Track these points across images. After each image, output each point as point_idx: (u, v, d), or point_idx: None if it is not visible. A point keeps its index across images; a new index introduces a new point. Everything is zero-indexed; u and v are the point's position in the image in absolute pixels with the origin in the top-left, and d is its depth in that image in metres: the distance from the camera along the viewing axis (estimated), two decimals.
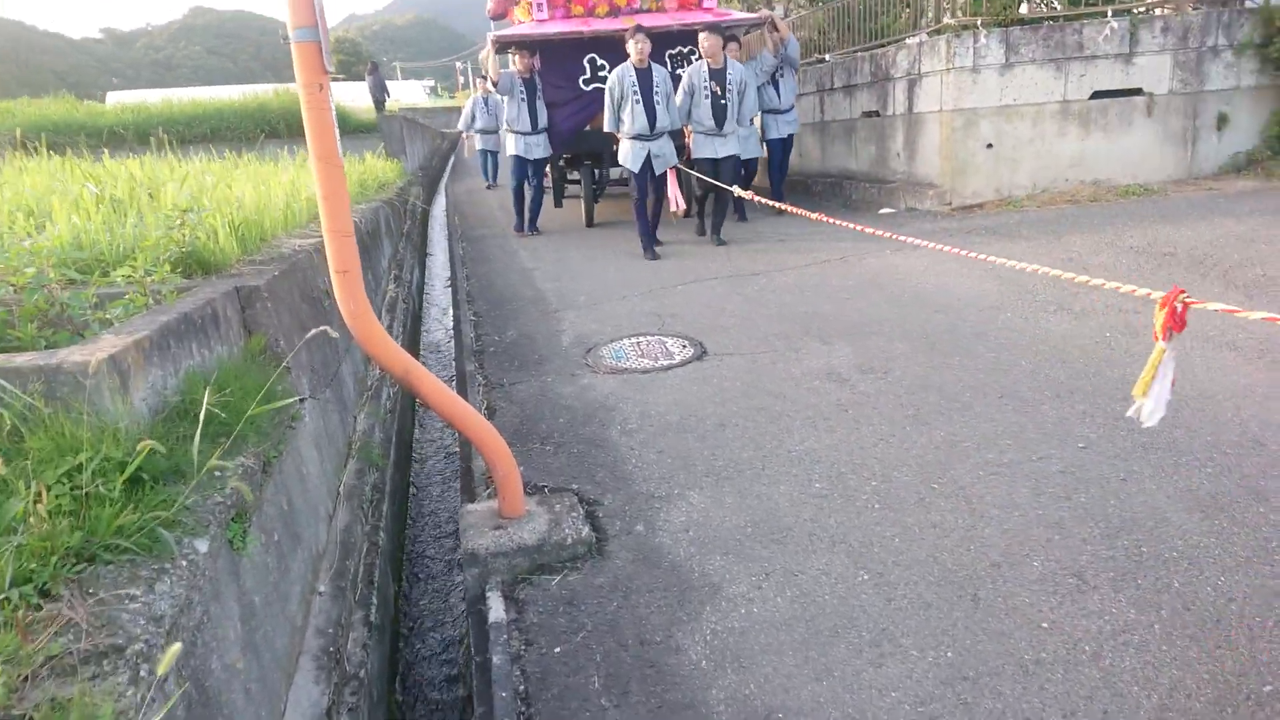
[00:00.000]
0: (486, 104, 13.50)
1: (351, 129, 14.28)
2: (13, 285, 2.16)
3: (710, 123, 7.12)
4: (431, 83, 68.12)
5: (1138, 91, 8.18)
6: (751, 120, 7.77)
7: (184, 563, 1.69)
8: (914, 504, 2.79)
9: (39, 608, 1.38)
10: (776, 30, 8.52)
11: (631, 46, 6.76)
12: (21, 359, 1.80)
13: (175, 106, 14.28)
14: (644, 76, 6.85)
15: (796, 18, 12.15)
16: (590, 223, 9.19)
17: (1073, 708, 1.87)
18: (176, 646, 1.28)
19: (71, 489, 1.59)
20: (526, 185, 8.88)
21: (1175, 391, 3.48)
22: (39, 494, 1.49)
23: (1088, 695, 1.90)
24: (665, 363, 4.47)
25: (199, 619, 1.64)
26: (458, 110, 40.10)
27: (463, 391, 4.29)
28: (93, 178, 4.36)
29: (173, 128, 13.33)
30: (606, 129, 7.14)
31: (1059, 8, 8.52)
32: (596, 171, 9.31)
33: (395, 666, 2.94)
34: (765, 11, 9.23)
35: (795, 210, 4.91)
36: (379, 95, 17.20)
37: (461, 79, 48.59)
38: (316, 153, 2.28)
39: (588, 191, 9.12)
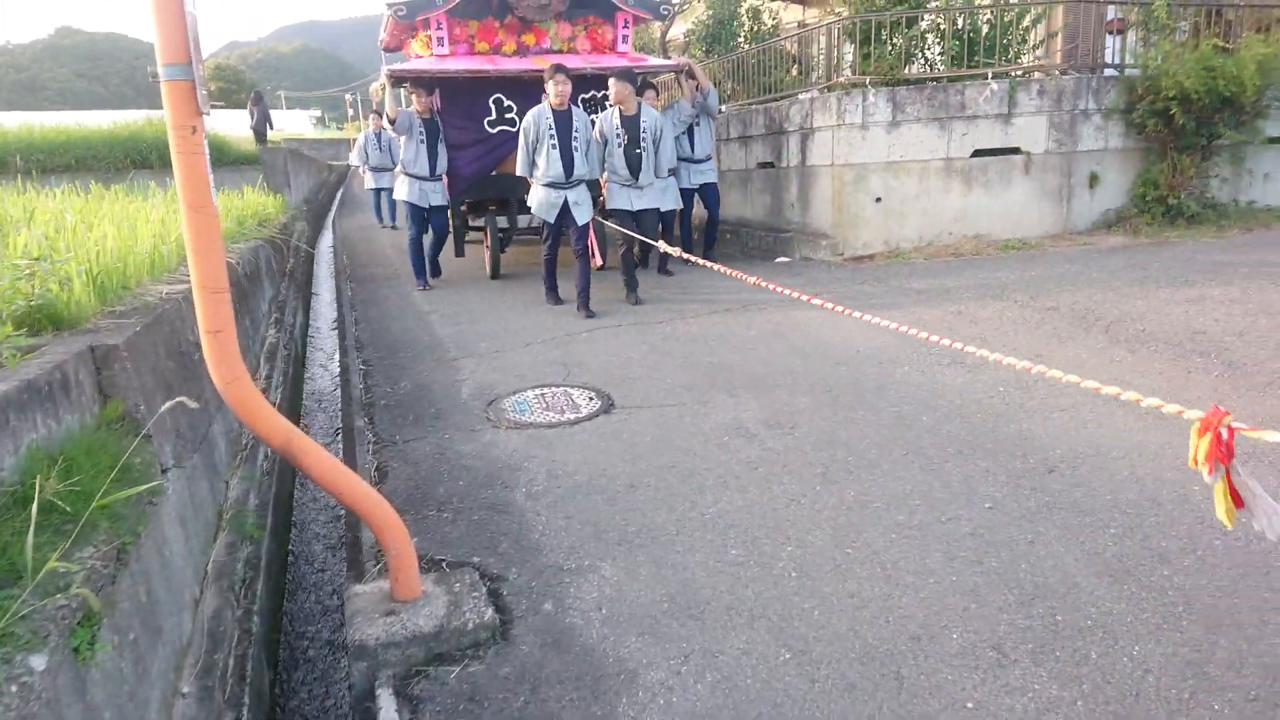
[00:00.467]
0: (379, 139, 13.11)
1: (231, 160, 13.57)
2: None
3: (625, 172, 6.74)
4: (318, 113, 66.30)
5: (1016, 150, 8.67)
6: (670, 171, 7.22)
7: (14, 688, 1.41)
8: (830, 571, 2.71)
9: None
10: (694, 78, 8.21)
11: (550, 87, 6.27)
12: None
13: (36, 132, 13.16)
14: (562, 119, 6.36)
15: None
16: (495, 274, 8.43)
17: None
18: None
19: None
20: (426, 232, 8.23)
21: (1072, 448, 3.61)
22: None
23: None
24: (572, 416, 4.31)
25: None
26: (345, 142, 39.08)
27: (350, 451, 3.99)
28: None
29: (33, 156, 12.34)
30: (519, 173, 6.64)
31: (942, 69, 8.95)
32: (503, 219, 8.65)
33: None
34: (682, 59, 9.11)
35: (721, 268, 4.55)
36: (261, 126, 16.51)
37: (350, 110, 47.49)
38: (188, 201, 2.04)
39: (494, 241, 8.37)
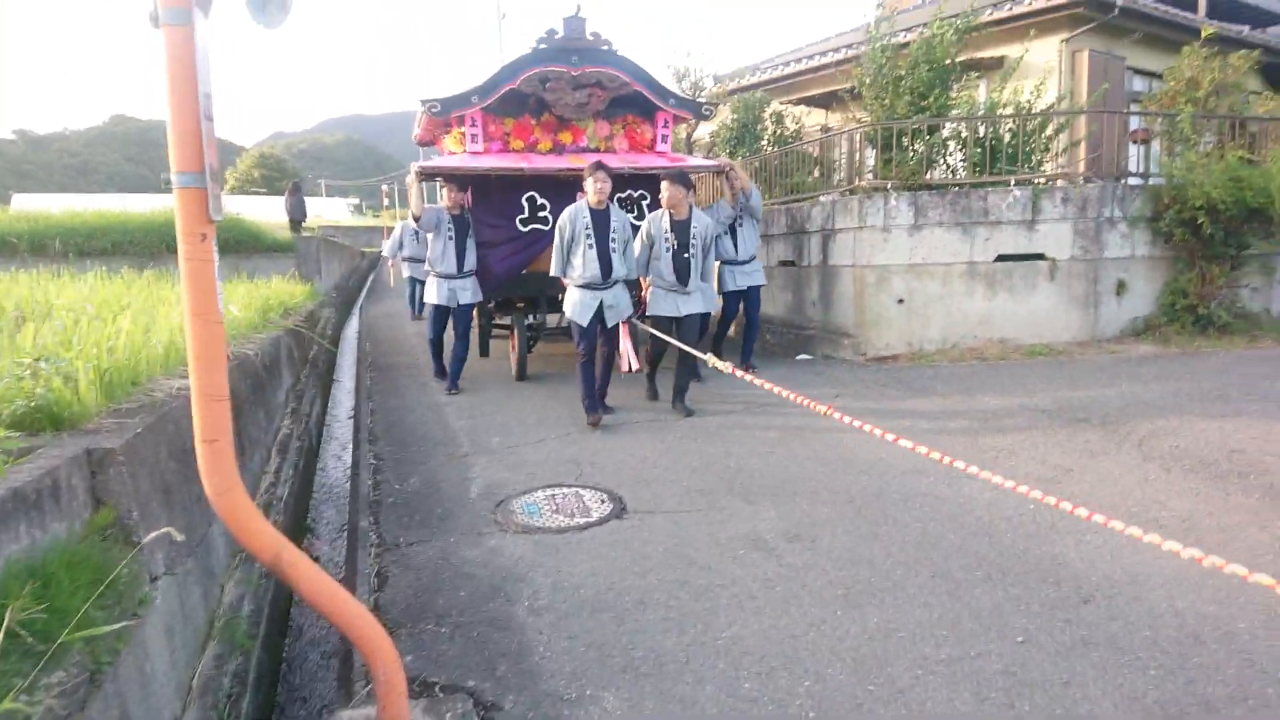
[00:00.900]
0: (417, 232, 13.28)
1: (265, 247, 13.90)
2: None
3: (672, 278, 6.30)
4: (356, 201, 68.50)
5: (1040, 256, 8.64)
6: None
7: None
8: (851, 711, 2.52)
9: None
10: (736, 178, 7.81)
11: (590, 185, 5.98)
12: None
13: (78, 217, 13.61)
14: (600, 219, 6.04)
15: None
16: (522, 375, 7.95)
17: None
18: None
19: None
20: (449, 334, 7.76)
21: (1107, 575, 3.41)
22: None
23: None
24: (582, 520, 4.17)
25: None
26: (379, 229, 40.16)
27: (352, 554, 3.87)
28: None
29: (72, 239, 12.72)
30: (553, 273, 6.24)
31: (964, 175, 9.03)
32: (533, 317, 8.24)
33: None
34: (723, 159, 8.77)
35: (769, 386, 4.00)
36: (297, 215, 16.98)
37: (386, 200, 49.02)
38: (193, 309, 2.00)
39: (521, 341, 7.93)
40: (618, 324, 6.32)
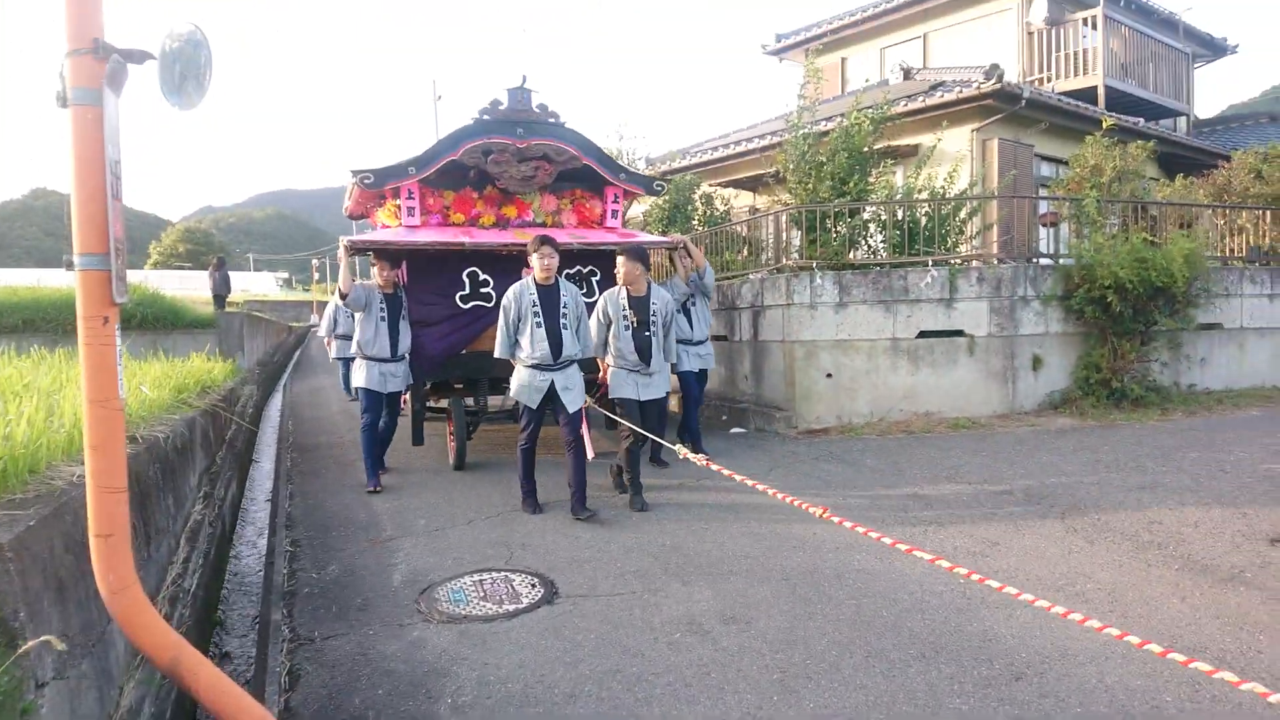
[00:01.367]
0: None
1: (186, 324, 13.48)
2: None
3: (634, 357, 5.90)
4: (285, 275, 67.50)
5: (960, 333, 8.95)
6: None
7: None
8: None
9: None
10: (689, 255, 7.62)
11: (535, 260, 5.64)
12: None
13: None
14: (547, 295, 5.67)
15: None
16: (461, 464, 7.29)
17: None
18: None
19: None
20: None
21: (1037, 651, 3.42)
22: None
23: None
24: (511, 607, 4.02)
25: None
26: (309, 304, 39.56)
27: (262, 650, 3.64)
28: None
29: None
30: (498, 355, 5.79)
31: (885, 256, 9.37)
32: (473, 400, 7.71)
33: None
34: (677, 236, 8.55)
35: (734, 475, 3.86)
36: (221, 290, 16.60)
37: (317, 274, 48.47)
38: (91, 395, 1.89)
39: (459, 426, 7.31)
40: (579, 410, 5.81)
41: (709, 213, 12.79)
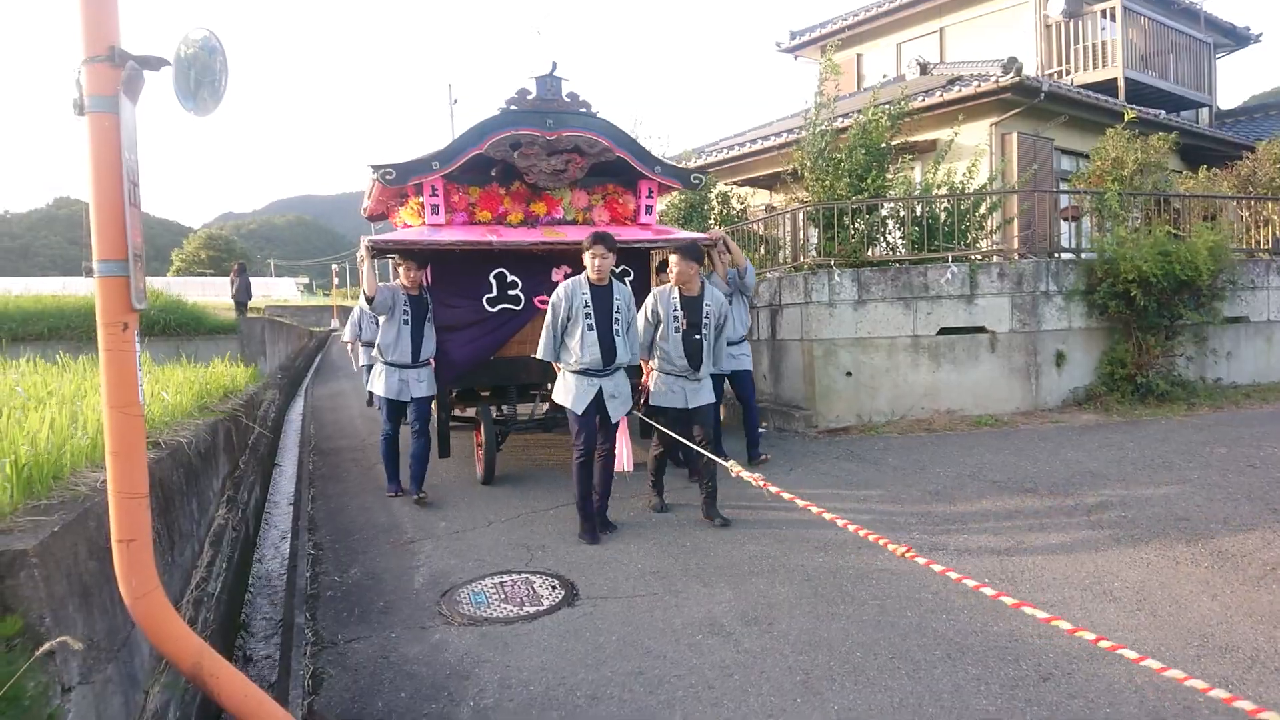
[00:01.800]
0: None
1: (208, 330, 13.62)
2: None
3: (682, 362, 5.52)
4: (306, 280, 68.05)
5: (982, 329, 8.86)
6: None
7: None
8: None
9: None
10: (729, 252, 7.12)
11: (589, 260, 5.27)
12: None
13: (12, 301, 13.25)
14: (601, 296, 5.30)
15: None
16: (489, 479, 6.84)
17: None
18: None
19: None
20: (405, 432, 6.62)
21: (1065, 650, 3.37)
22: None
23: None
24: (532, 609, 4.02)
25: None
26: (329, 309, 39.82)
27: (286, 654, 3.65)
28: None
29: (5, 324, 12.32)
30: (541, 356, 5.44)
31: (904, 252, 9.29)
32: (501, 409, 7.32)
33: None
34: (716, 232, 8.01)
35: (785, 495, 3.72)
36: (242, 296, 16.75)
37: (336, 279, 48.75)
38: (112, 400, 1.90)
39: (489, 437, 6.85)
40: (619, 419, 5.51)
41: (725, 211, 12.75)
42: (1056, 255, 9.84)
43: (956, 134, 10.13)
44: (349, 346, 12.25)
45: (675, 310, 5.55)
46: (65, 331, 12.33)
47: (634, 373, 5.81)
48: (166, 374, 6.88)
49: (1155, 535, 4.71)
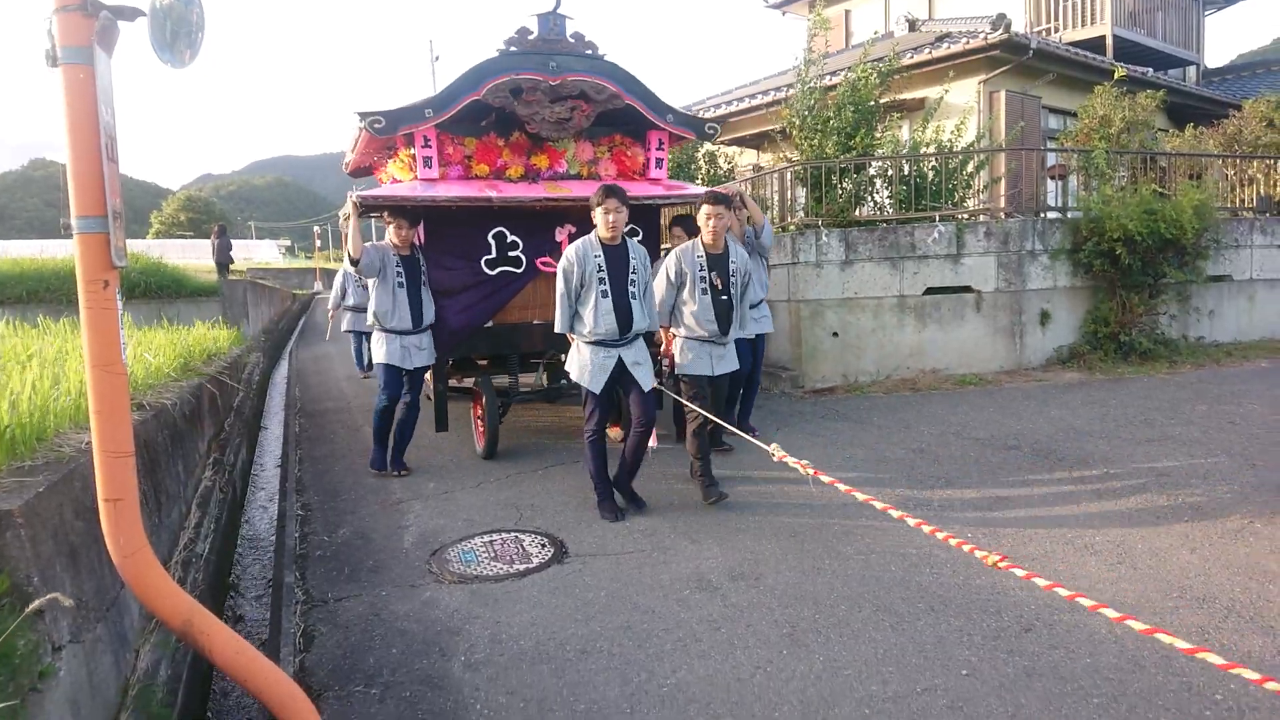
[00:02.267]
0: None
1: (189, 292, 13.47)
2: None
3: (713, 327, 5.04)
4: (288, 243, 67.26)
5: (968, 289, 8.88)
6: None
7: None
8: None
9: None
10: (745, 208, 6.53)
11: (600, 215, 4.75)
12: None
13: None
14: (615, 256, 4.79)
15: None
16: (491, 453, 6.37)
17: None
18: None
19: None
20: (400, 403, 6.03)
21: (1046, 603, 3.44)
22: None
23: None
24: (521, 567, 4.05)
25: None
26: (311, 271, 39.45)
27: (276, 612, 3.67)
28: None
29: None
30: (559, 329, 4.94)
31: (891, 212, 9.26)
32: (501, 379, 6.84)
33: None
34: (733, 187, 7.46)
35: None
36: (223, 258, 16.55)
37: (319, 241, 48.19)
38: (95, 359, 1.88)
39: (492, 409, 6.36)
40: (653, 389, 4.99)
41: (712, 171, 12.65)
42: (1043, 214, 9.86)
43: (946, 92, 10.07)
44: (330, 313, 11.32)
45: (701, 270, 5.07)
46: (45, 294, 12.17)
47: (650, 341, 5.42)
48: (149, 336, 6.81)
49: (1136, 490, 4.79)
